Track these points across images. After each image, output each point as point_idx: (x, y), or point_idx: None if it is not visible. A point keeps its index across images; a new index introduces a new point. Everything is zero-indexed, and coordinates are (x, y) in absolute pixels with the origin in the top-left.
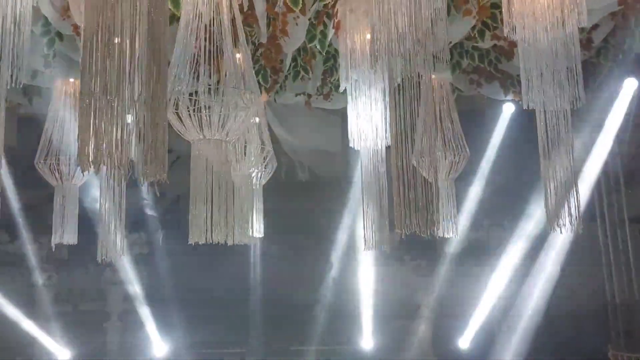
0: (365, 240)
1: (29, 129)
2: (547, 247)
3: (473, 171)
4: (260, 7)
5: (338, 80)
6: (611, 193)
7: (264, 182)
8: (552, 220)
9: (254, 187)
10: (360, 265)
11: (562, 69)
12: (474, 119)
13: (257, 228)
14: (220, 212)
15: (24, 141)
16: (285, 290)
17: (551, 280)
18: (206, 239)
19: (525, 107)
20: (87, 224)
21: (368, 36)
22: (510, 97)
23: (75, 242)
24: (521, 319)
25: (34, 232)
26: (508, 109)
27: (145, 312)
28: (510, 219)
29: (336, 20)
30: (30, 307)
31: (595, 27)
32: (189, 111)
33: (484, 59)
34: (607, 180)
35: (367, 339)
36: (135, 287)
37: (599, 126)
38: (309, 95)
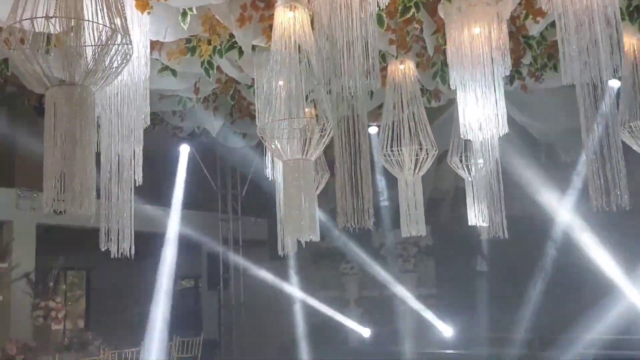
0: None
1: None
2: None
3: None
4: None
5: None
6: None
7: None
8: None
9: None
10: None
11: (601, 38)
12: None
13: None
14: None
15: None
16: None
17: None
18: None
19: (565, 82)
20: None
21: (477, 30)
22: None
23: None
24: None
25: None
26: None
27: (435, 298)
28: None
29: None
30: (341, 291)
31: None
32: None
33: None
34: None
35: None
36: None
37: None
38: (523, 79)
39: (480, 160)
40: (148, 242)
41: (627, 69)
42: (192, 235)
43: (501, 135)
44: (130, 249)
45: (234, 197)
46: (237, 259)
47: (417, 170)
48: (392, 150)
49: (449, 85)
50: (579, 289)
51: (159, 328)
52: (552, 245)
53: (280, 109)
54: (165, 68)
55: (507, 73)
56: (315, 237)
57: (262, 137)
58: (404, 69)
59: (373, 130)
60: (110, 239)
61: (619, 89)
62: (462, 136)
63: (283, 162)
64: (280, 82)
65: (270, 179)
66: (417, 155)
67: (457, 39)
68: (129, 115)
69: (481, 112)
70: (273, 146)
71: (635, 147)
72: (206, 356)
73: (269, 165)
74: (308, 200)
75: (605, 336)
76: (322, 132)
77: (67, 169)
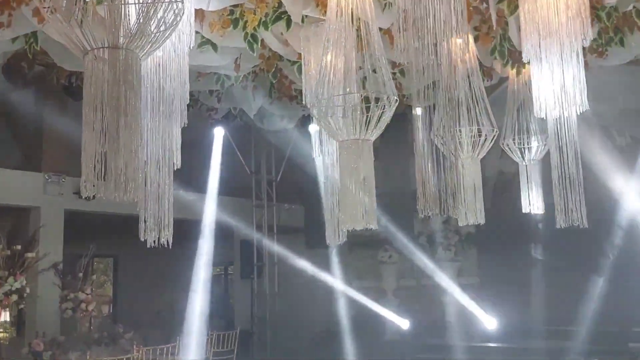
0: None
1: None
2: None
3: None
4: None
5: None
6: None
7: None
8: None
9: None
10: None
11: None
12: None
13: None
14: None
15: None
16: None
17: None
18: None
19: None
20: None
21: None
22: None
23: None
24: None
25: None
26: None
27: (477, 288)
28: None
29: None
30: (378, 281)
31: None
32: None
33: None
34: None
35: None
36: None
37: None
38: (584, 54)
39: (535, 143)
40: (179, 230)
41: None
42: (225, 221)
43: (580, 114)
44: (168, 238)
45: (268, 183)
46: (272, 247)
47: (475, 153)
48: (446, 132)
49: (506, 61)
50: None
51: (196, 321)
52: (617, 232)
53: (334, 84)
54: (206, 42)
55: (587, 44)
56: (374, 226)
57: (313, 115)
58: (463, 42)
59: (418, 111)
60: (148, 227)
61: None
62: (536, 115)
63: (339, 142)
64: (329, 57)
65: (317, 163)
66: (475, 136)
67: (531, 5)
68: (171, 91)
69: (558, 87)
70: (328, 125)
71: None
72: (239, 348)
73: (316, 147)
74: (367, 185)
75: None
76: (383, 109)
77: (110, 147)
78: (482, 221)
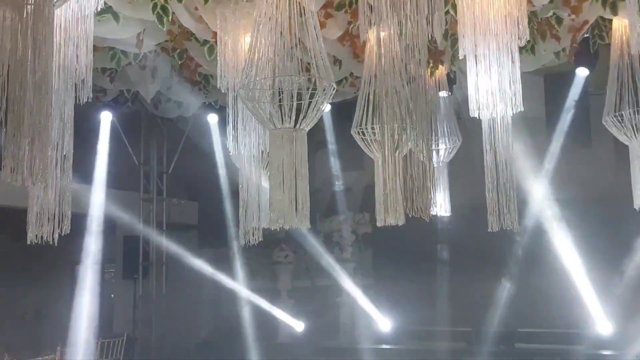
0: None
1: None
2: None
3: None
4: None
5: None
6: None
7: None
8: None
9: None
10: None
11: None
12: None
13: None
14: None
15: None
16: None
17: None
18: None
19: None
20: None
21: None
22: None
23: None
24: None
25: None
26: None
27: (372, 289)
28: None
29: None
30: (273, 282)
31: None
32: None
33: None
34: None
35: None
36: (361, 265)
37: None
38: None
39: (443, 145)
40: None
41: (615, 53)
42: (106, 215)
43: (514, 114)
44: (53, 233)
45: (158, 175)
46: (160, 245)
47: (397, 151)
48: (367, 128)
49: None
50: (539, 282)
51: (81, 328)
52: (524, 235)
53: (265, 66)
54: (106, 10)
55: (523, 43)
56: (307, 225)
57: (242, 100)
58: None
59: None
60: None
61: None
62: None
63: (270, 131)
64: (260, 36)
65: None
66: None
67: (469, 2)
68: (73, 59)
69: (495, 86)
70: (257, 111)
71: (621, 138)
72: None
73: (230, 136)
74: (300, 179)
75: (552, 330)
76: (317, 96)
77: (11, 120)
78: (401, 222)
